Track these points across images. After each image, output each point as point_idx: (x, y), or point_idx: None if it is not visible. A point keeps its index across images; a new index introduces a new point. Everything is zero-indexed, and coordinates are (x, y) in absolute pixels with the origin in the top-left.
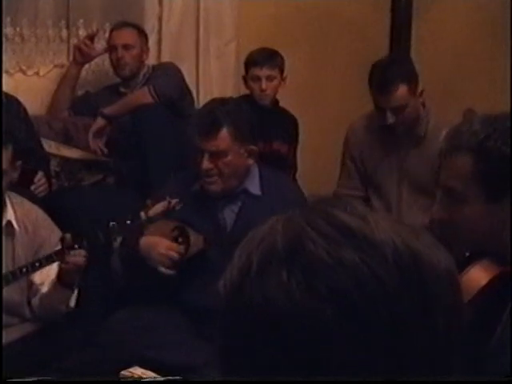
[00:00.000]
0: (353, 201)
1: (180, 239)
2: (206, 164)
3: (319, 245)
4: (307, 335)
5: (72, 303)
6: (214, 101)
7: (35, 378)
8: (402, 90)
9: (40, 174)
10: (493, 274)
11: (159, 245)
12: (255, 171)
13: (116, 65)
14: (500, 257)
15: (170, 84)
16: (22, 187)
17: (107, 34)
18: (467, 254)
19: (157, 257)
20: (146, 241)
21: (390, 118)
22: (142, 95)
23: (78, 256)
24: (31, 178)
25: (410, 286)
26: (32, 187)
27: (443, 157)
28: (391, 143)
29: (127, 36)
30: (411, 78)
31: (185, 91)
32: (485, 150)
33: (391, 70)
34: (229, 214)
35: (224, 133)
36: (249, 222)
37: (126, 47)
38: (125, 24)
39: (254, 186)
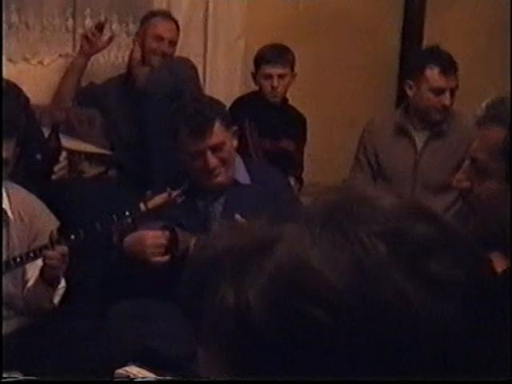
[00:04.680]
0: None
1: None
2: (213, 161)
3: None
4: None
5: (56, 300)
6: (194, 101)
7: (35, 378)
8: (458, 73)
9: (64, 154)
10: (502, 268)
11: (145, 237)
12: (239, 161)
13: (156, 54)
14: (508, 249)
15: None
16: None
17: (114, 26)
18: None
19: (147, 249)
20: (130, 239)
21: (448, 100)
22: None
23: (61, 253)
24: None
25: None
26: (56, 167)
27: (477, 126)
28: (408, 139)
29: (174, 31)
30: None
31: (192, 87)
32: None
33: (450, 56)
34: (218, 207)
35: (218, 126)
36: (235, 209)
37: (171, 43)
38: (168, 16)
39: (242, 176)
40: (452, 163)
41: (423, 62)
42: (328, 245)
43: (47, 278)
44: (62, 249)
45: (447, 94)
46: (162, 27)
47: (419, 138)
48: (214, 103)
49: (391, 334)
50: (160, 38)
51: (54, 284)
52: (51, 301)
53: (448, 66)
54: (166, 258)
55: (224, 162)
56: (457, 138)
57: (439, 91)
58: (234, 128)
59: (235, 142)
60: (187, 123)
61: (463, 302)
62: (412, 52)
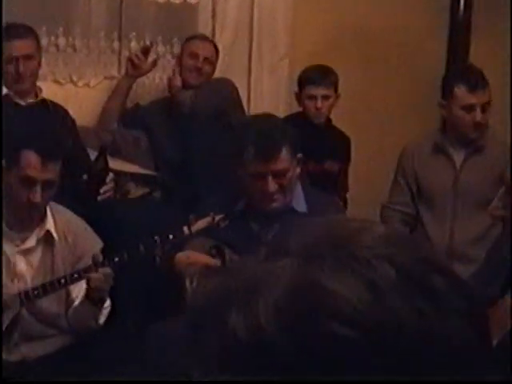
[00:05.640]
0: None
1: (216, 259)
2: (272, 186)
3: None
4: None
5: (101, 320)
6: (265, 122)
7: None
8: (489, 88)
9: (111, 175)
10: None
11: (197, 261)
12: (299, 189)
13: (192, 72)
14: None
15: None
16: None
17: (159, 48)
18: None
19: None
20: (182, 256)
21: (479, 116)
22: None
23: (106, 274)
24: (101, 180)
25: None
26: (102, 189)
27: None
28: (447, 158)
29: (210, 50)
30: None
31: (234, 107)
32: None
33: (479, 72)
34: (271, 233)
35: (284, 153)
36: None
37: (206, 60)
38: (205, 37)
39: (300, 205)
40: (492, 178)
41: (452, 82)
42: (338, 268)
43: (92, 299)
44: (106, 270)
45: (478, 110)
46: (196, 45)
47: (458, 156)
48: (285, 128)
49: (413, 348)
50: (195, 55)
51: (99, 304)
52: (97, 321)
53: (475, 82)
54: None
55: (283, 188)
56: (495, 152)
57: (470, 108)
58: (299, 155)
59: (298, 170)
60: (255, 144)
61: (466, 320)
62: (444, 76)
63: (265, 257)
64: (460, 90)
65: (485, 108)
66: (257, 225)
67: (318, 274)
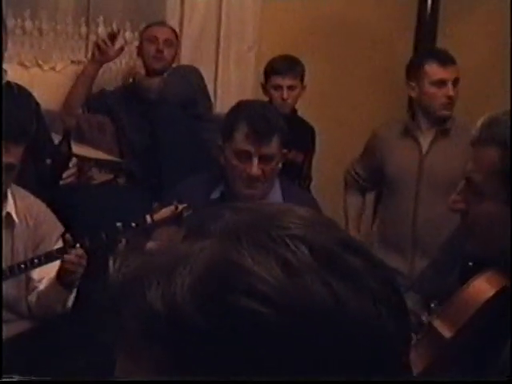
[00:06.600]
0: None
1: None
2: (256, 170)
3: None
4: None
5: (69, 303)
6: (262, 106)
7: (34, 378)
8: (457, 65)
9: (74, 160)
10: (499, 286)
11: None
12: (277, 183)
13: (153, 56)
14: (506, 268)
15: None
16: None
17: (127, 34)
18: (470, 264)
19: None
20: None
21: (451, 90)
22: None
23: (79, 255)
24: (64, 165)
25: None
26: (65, 173)
27: (473, 146)
28: (414, 141)
29: (169, 33)
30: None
31: (202, 95)
32: None
33: (444, 50)
34: None
35: (275, 139)
36: None
37: (166, 42)
38: (163, 23)
39: (276, 199)
40: (457, 166)
41: (422, 60)
42: (254, 248)
43: (65, 282)
44: (80, 252)
45: (449, 85)
46: (154, 30)
47: (424, 140)
48: (279, 117)
49: (325, 323)
50: (154, 38)
51: (71, 287)
52: (64, 305)
53: (444, 58)
54: None
55: (265, 176)
56: (463, 140)
57: (441, 83)
58: (284, 151)
59: (280, 165)
60: (249, 124)
61: (383, 304)
62: (411, 58)
63: (183, 238)
64: (431, 67)
65: (455, 84)
66: None
67: (232, 253)
